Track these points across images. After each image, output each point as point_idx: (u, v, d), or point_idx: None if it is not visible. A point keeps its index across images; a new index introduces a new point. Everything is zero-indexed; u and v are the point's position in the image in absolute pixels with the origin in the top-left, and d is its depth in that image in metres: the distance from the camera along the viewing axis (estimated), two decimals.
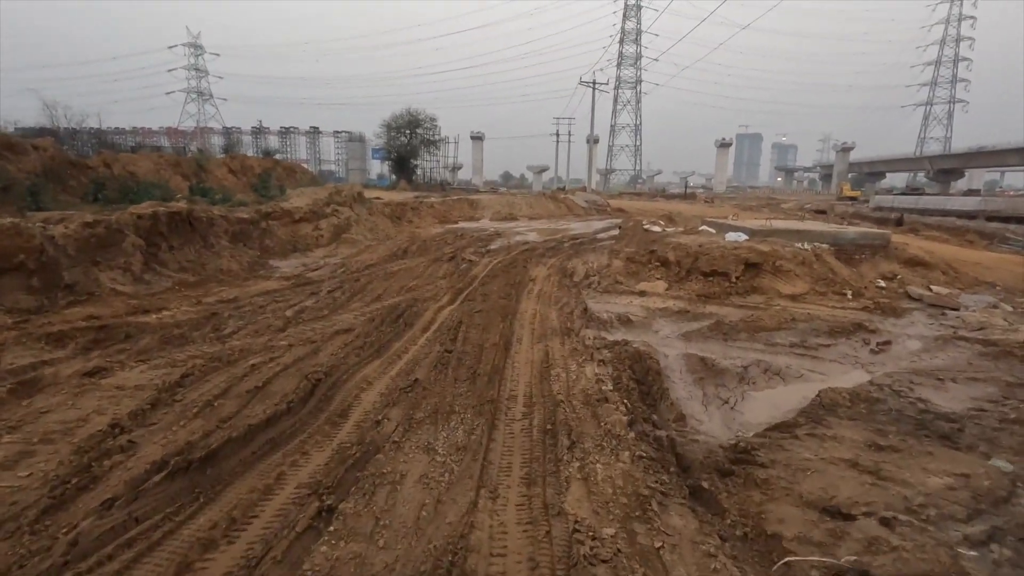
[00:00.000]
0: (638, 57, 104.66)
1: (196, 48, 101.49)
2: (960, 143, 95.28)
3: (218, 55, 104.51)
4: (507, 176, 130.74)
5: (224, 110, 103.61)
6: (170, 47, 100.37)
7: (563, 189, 47.65)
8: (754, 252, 9.52)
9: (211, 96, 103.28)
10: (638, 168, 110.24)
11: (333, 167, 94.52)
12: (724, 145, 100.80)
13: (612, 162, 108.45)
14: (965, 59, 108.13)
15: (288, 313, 7.65)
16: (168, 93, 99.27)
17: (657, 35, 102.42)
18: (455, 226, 22.17)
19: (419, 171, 63.84)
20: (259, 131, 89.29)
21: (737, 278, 9.35)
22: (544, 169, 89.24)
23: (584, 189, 41.96)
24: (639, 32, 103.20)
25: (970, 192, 67.46)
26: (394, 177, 60.45)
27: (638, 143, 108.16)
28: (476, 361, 5.82)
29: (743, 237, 10.56)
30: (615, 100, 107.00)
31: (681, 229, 12.42)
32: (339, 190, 16.40)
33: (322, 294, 9.05)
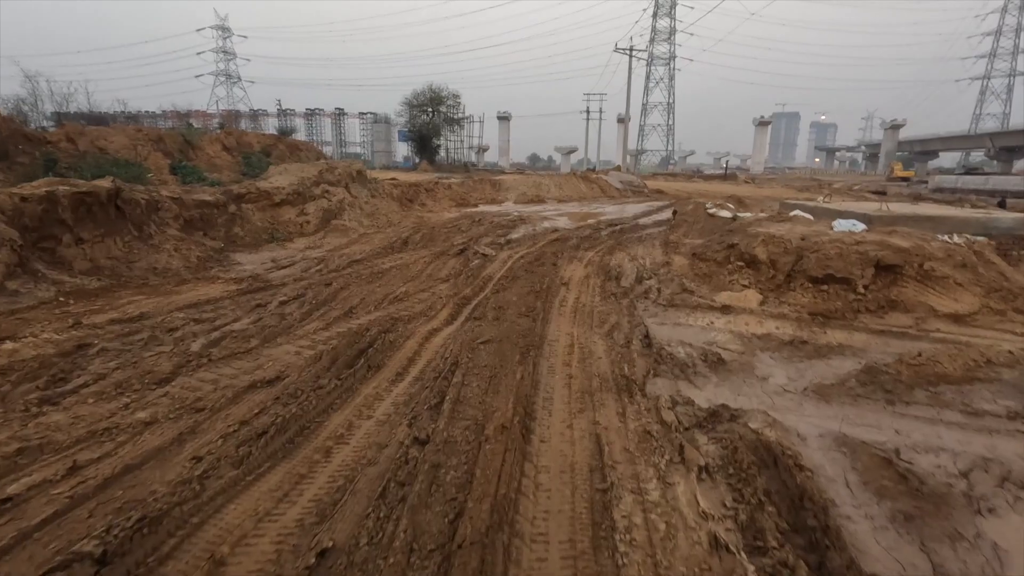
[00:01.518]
0: (672, 32, 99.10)
1: (224, 30, 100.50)
2: (1020, 119, 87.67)
3: (246, 37, 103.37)
4: (535, 158, 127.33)
5: (252, 92, 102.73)
6: (198, 30, 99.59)
7: (593, 170, 44.32)
8: (888, 248, 6.53)
9: (239, 79, 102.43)
10: (670, 149, 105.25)
11: (358, 149, 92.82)
12: (763, 124, 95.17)
13: (643, 143, 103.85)
14: None
15: (196, 345, 5.08)
16: (197, 76, 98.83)
17: (692, 8, 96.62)
18: (474, 210, 19.44)
19: (443, 151, 61.17)
20: (284, 113, 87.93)
21: (866, 287, 6.39)
22: (573, 150, 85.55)
23: (618, 168, 38.58)
24: (673, 4, 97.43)
25: None
26: (416, 159, 57.95)
27: (671, 122, 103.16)
28: (466, 475, 3.08)
29: (861, 227, 7.54)
30: (647, 77, 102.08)
31: (762, 215, 9.45)
32: (332, 167, 13.80)
33: (270, 308, 6.47)
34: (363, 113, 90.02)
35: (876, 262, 6.49)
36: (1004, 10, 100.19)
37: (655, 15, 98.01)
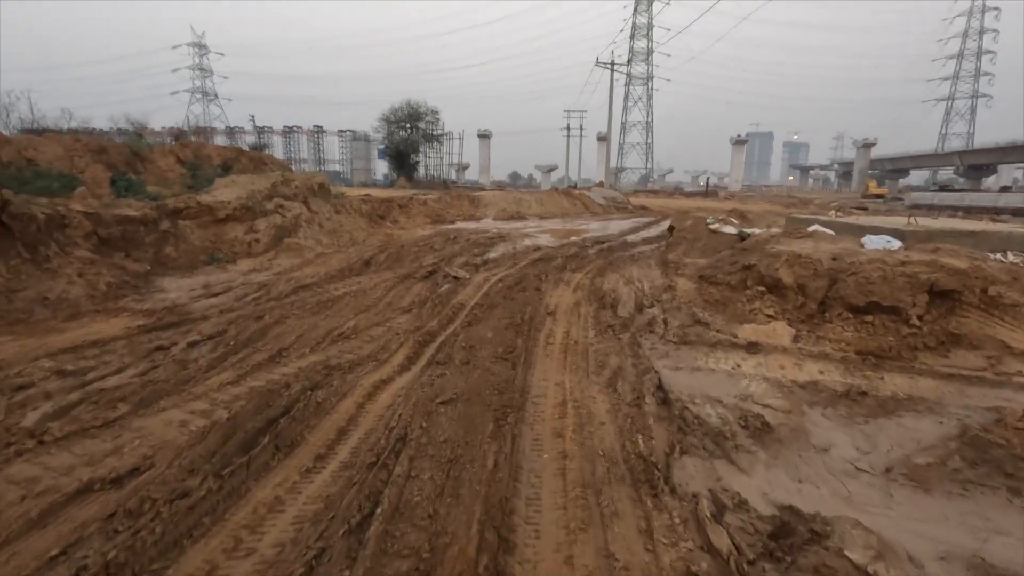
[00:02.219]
0: (649, 52, 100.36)
1: (200, 48, 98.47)
2: (983, 138, 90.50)
3: (222, 55, 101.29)
4: (515, 176, 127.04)
5: (229, 110, 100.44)
6: (174, 47, 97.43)
7: (575, 187, 43.53)
8: (941, 270, 5.38)
9: (216, 96, 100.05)
10: (650, 166, 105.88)
11: (338, 167, 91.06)
12: (740, 142, 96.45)
13: (623, 161, 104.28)
14: (989, 52, 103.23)
15: (33, 416, 3.60)
16: (173, 93, 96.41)
17: (668, 29, 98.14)
18: (450, 227, 18.12)
19: (421, 168, 59.99)
20: (260, 130, 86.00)
21: (920, 317, 5.21)
22: (553, 168, 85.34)
23: (601, 185, 37.74)
24: (650, 27, 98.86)
25: (1004, 189, 62.89)
26: (395, 176, 56.59)
27: (650, 140, 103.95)
28: None
29: (896, 243, 6.42)
30: (625, 97, 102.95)
31: (775, 230, 8.32)
32: (288, 180, 12.37)
33: (173, 352, 5.01)
34: (342, 130, 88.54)
35: (929, 287, 5.32)
36: (965, 34, 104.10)
37: (632, 36, 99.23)
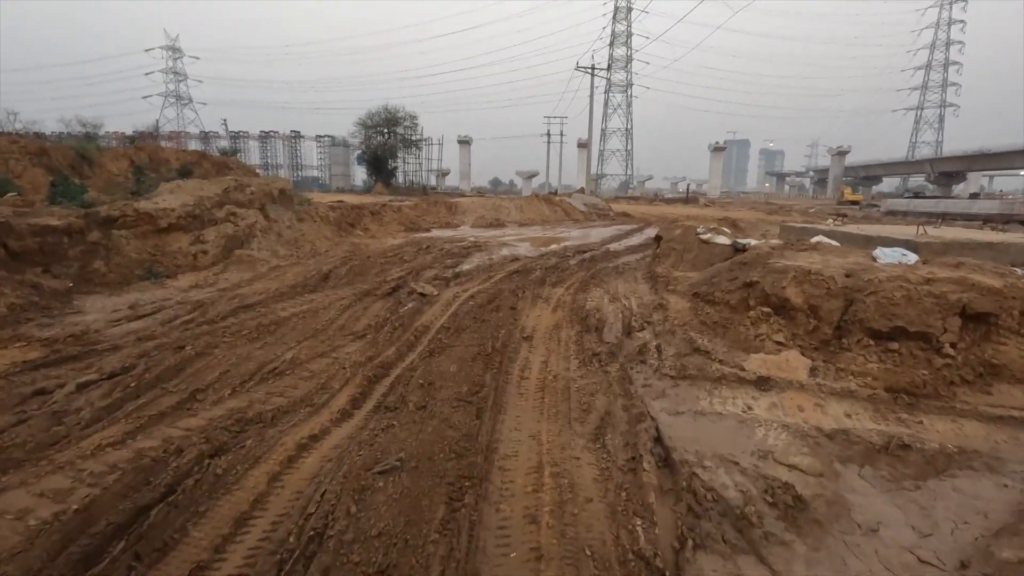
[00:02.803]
0: (628, 60, 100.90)
1: (174, 51, 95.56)
2: (951, 147, 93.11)
3: (197, 58, 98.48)
4: (496, 182, 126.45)
5: (204, 114, 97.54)
6: (147, 50, 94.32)
7: (555, 193, 42.90)
8: (973, 289, 4.68)
9: (190, 100, 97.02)
10: (629, 173, 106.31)
11: (316, 173, 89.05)
12: (718, 149, 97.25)
13: (603, 167, 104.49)
14: (955, 63, 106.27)
15: None
16: (145, 97, 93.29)
17: (647, 38, 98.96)
18: (425, 235, 17.20)
19: (400, 174, 58.85)
20: (236, 135, 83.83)
21: (953, 345, 4.48)
22: (534, 175, 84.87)
23: (582, 191, 37.08)
24: (629, 35, 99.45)
25: (973, 196, 64.38)
26: (372, 180, 55.28)
27: (629, 147, 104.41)
28: None
29: (912, 257, 5.72)
30: (605, 104, 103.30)
31: (775, 241, 7.58)
32: (242, 185, 11.30)
33: (56, 397, 4.02)
34: (320, 136, 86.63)
35: (960, 308, 4.61)
36: (932, 46, 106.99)
37: (611, 44, 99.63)
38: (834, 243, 6.74)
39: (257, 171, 30.06)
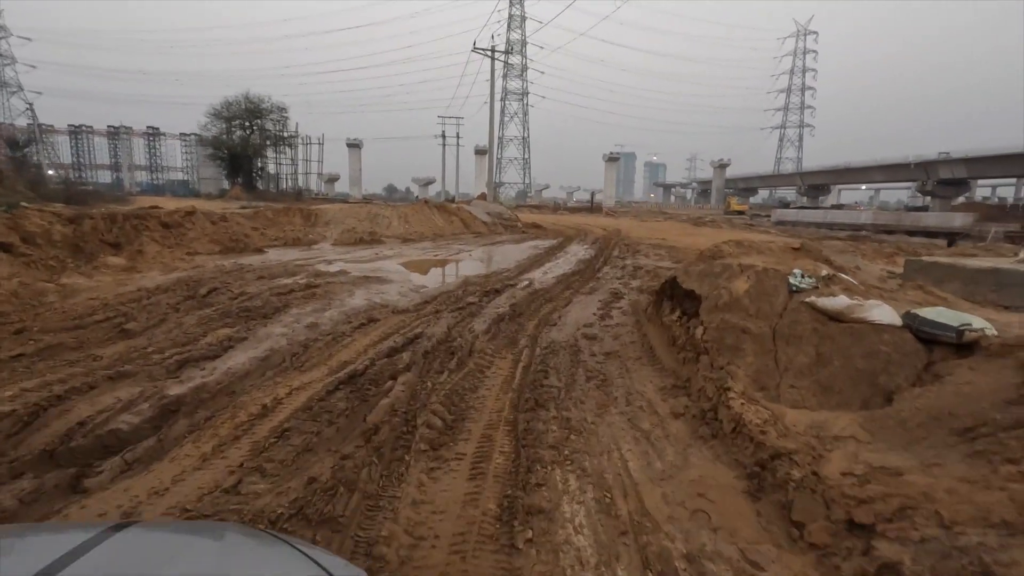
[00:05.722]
0: (524, 68, 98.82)
1: None
2: (809, 163, 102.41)
3: (30, 39, 77.29)
4: (392, 189, 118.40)
5: (39, 105, 77.24)
6: None
7: (453, 200, 37.61)
8: None
9: (19, 88, 76.21)
10: (527, 181, 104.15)
11: (181, 175, 74.68)
12: (612, 159, 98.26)
13: (501, 175, 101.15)
14: (811, 88, 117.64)
15: None
16: None
17: (542, 47, 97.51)
18: (247, 260, 11.02)
19: (268, 176, 49.73)
20: (77, 130, 67.83)
21: None
22: (431, 181, 79.00)
23: (483, 197, 32.03)
24: (524, 43, 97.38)
25: (836, 207, 69.53)
26: (238, 182, 45.65)
27: (527, 156, 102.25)
28: None
29: None
30: (502, 112, 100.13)
31: (814, 281, 2.94)
32: None
33: None
34: (184, 134, 72.34)
35: None
36: (791, 72, 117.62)
37: (508, 52, 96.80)
38: (848, 300, 2.16)
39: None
